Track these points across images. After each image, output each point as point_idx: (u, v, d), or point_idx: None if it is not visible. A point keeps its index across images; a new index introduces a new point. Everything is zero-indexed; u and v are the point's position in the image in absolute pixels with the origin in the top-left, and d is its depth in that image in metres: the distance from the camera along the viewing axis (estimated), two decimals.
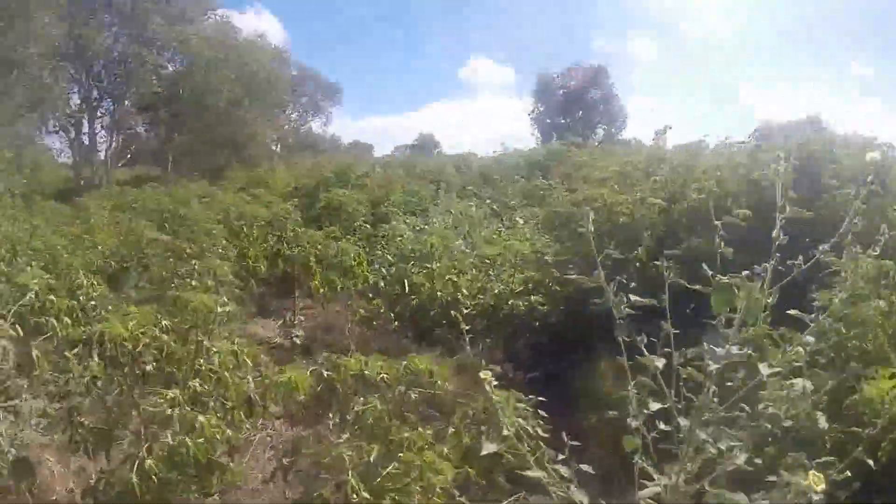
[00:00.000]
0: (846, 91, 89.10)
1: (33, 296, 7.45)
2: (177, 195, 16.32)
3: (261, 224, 13.14)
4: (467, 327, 10.29)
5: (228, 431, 5.12)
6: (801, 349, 3.13)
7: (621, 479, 3.87)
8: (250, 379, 5.69)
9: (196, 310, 5.38)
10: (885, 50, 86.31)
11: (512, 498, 4.57)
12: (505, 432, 3.31)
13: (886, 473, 3.95)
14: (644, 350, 3.25)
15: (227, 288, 8.49)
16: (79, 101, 35.62)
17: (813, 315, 3.21)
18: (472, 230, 14.58)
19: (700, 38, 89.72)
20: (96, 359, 4.72)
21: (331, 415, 5.18)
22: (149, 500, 4.40)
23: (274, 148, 46.57)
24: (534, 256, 10.31)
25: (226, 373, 5.37)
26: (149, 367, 4.82)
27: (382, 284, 12.23)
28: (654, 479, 3.15)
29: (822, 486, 2.46)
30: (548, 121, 62.02)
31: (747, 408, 3.18)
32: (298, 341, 11.02)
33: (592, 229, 3.76)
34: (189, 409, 4.72)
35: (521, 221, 14.54)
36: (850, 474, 3.07)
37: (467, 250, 11.58)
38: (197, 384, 5.23)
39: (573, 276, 8.67)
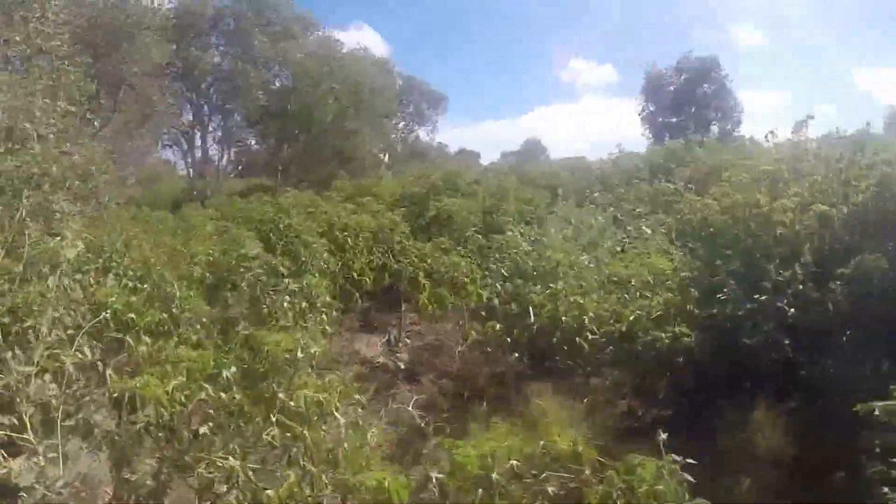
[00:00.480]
0: None
1: (111, 313, 6.80)
2: (280, 205, 15.69)
3: (366, 235, 12.26)
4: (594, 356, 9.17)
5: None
6: None
7: None
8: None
9: (273, 355, 4.40)
10: None
11: None
12: None
13: None
14: None
15: (319, 313, 7.54)
16: (190, 117, 36.32)
17: None
18: (594, 242, 13.29)
19: (806, 22, 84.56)
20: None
21: None
22: None
23: (382, 157, 46.29)
24: (676, 276, 8.98)
25: (305, 430, 4.40)
26: (203, 430, 3.83)
27: (496, 302, 11.13)
28: None
29: None
30: (659, 119, 58.67)
31: None
32: (402, 365, 10.03)
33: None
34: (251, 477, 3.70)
35: (649, 231, 13.12)
36: None
37: (592, 266, 10.29)
38: (271, 436, 4.30)
39: (723, 299, 7.28)
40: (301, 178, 35.81)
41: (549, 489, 3.83)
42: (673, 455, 4.17)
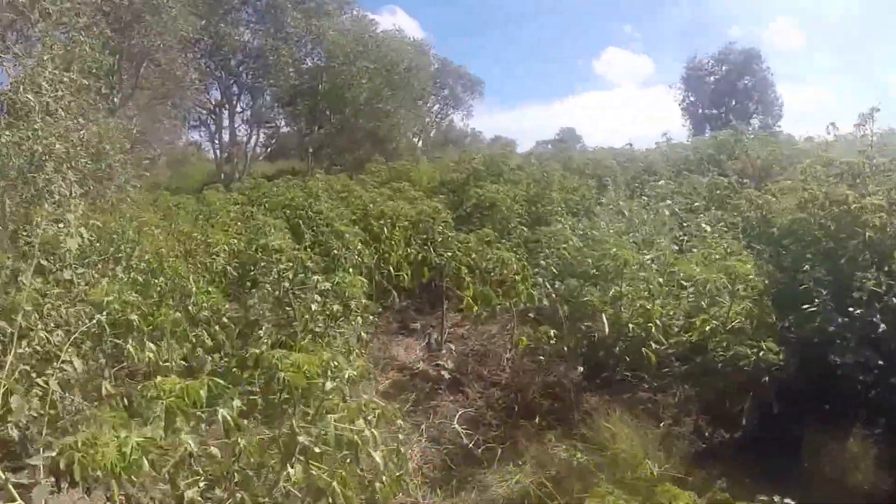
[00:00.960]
0: None
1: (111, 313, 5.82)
2: (310, 190, 14.70)
3: (404, 224, 11.15)
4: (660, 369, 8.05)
5: None
6: None
7: None
8: None
9: (291, 385, 3.37)
10: None
11: None
12: None
13: None
14: None
15: (355, 317, 6.50)
16: (218, 97, 35.44)
17: None
18: (650, 239, 12.08)
19: (844, 19, 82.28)
20: None
21: None
22: None
23: (416, 141, 45.24)
24: (755, 282, 7.79)
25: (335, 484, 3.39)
26: (190, 494, 2.82)
27: (545, 303, 10.02)
28: None
29: None
30: (699, 111, 57.36)
31: None
32: (447, 374, 8.95)
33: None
34: None
35: (708, 228, 11.87)
36: None
37: (656, 266, 9.10)
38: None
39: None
40: (332, 162, 34.88)
41: None
42: None
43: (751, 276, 7.56)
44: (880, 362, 6.89)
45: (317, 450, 3.68)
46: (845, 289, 7.40)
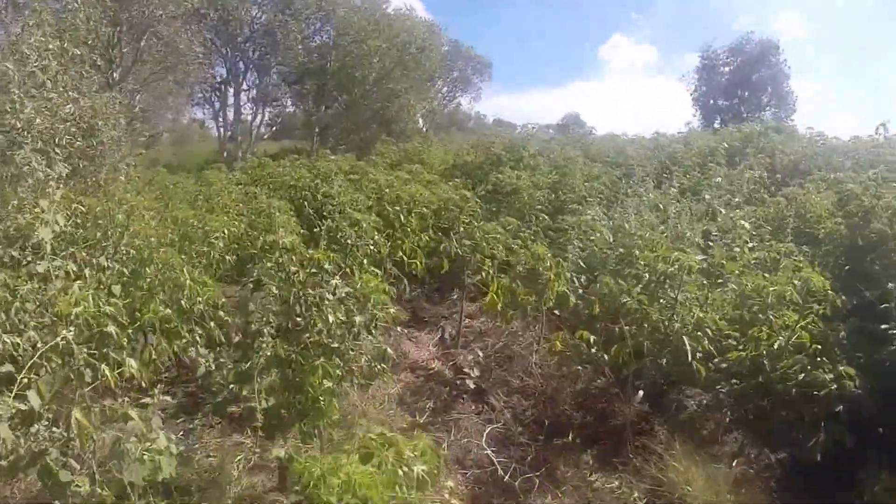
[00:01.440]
0: None
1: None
2: (318, 171, 13.81)
3: (420, 211, 10.25)
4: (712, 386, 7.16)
5: None
6: None
7: None
8: None
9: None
10: None
11: None
12: None
13: None
14: None
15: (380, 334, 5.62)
16: (224, 73, 34.45)
17: None
18: (682, 233, 11.17)
19: (851, 14, 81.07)
20: None
21: None
22: None
23: (420, 124, 44.19)
24: (837, 298, 6.84)
25: None
26: None
27: (573, 300, 9.14)
28: None
29: None
30: (712, 102, 56.22)
31: None
32: (472, 383, 8.03)
33: None
34: None
35: (747, 226, 10.91)
36: None
37: (708, 268, 8.17)
38: None
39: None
40: (339, 142, 33.93)
41: None
42: None
43: (827, 290, 6.62)
44: None
45: None
46: None
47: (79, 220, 7.48)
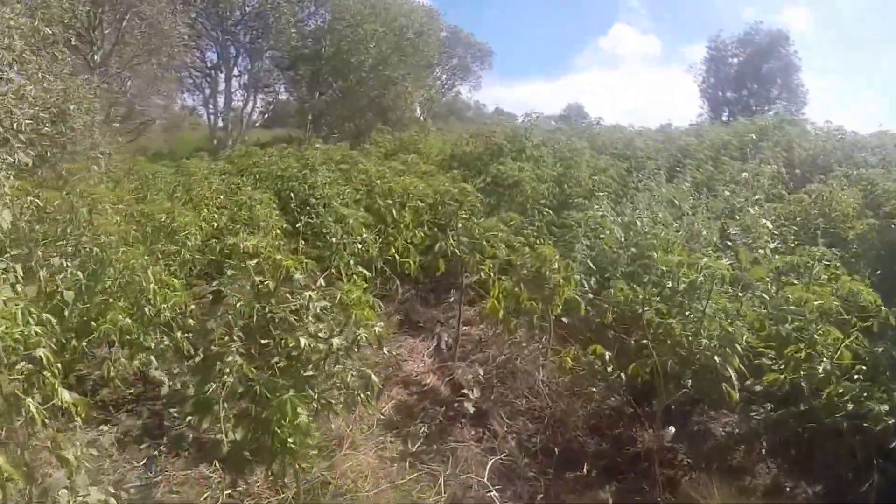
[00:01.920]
0: None
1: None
2: (306, 160, 12.91)
3: (414, 205, 9.33)
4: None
5: None
6: None
7: None
8: None
9: None
10: None
11: None
12: None
13: None
14: None
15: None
16: (215, 58, 33.37)
17: None
18: (697, 232, 10.28)
19: (858, 8, 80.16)
20: None
21: None
22: None
23: (417, 112, 43.09)
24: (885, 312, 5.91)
25: None
26: None
27: (584, 307, 8.26)
28: None
29: None
30: (720, 94, 55.07)
31: None
32: (472, 406, 7.08)
33: None
34: None
35: (769, 224, 10.00)
36: None
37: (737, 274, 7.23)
38: None
39: None
40: (333, 130, 32.95)
41: None
42: None
43: (879, 305, 5.72)
44: None
45: None
46: None
47: (34, 215, 6.63)
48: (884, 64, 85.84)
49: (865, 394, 5.31)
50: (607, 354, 6.48)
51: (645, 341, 7.01)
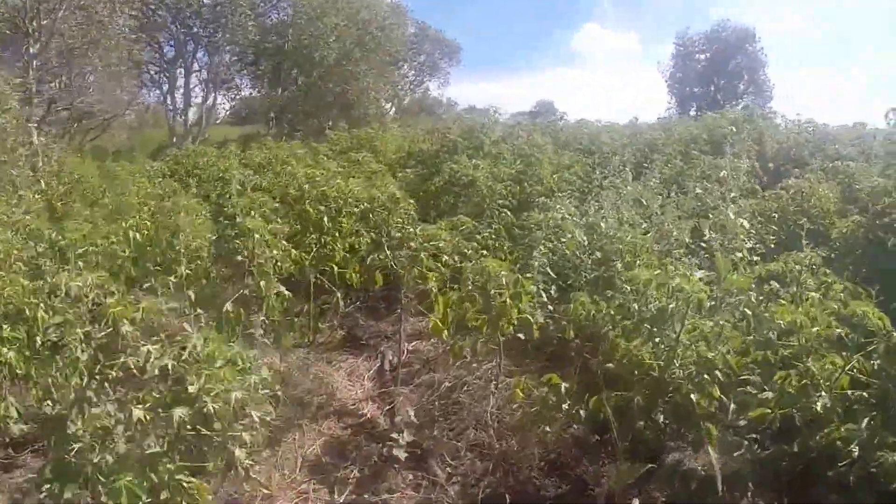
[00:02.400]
0: None
1: None
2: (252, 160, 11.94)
3: (353, 210, 8.32)
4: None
5: None
6: None
7: None
8: None
9: None
10: None
11: None
12: None
13: None
14: None
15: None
16: (172, 53, 32.03)
17: None
18: (668, 232, 9.38)
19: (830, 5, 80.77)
20: None
21: None
22: None
23: (387, 108, 41.96)
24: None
25: None
26: None
27: (541, 319, 7.33)
28: None
29: None
30: (687, 89, 55.02)
31: None
32: (404, 438, 6.05)
33: None
34: None
35: (746, 224, 9.11)
36: None
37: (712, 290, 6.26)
38: None
39: None
40: (295, 127, 31.82)
41: None
42: None
43: (890, 331, 4.76)
44: None
45: None
46: None
47: None
48: (849, 60, 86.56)
49: (876, 439, 4.36)
50: (563, 387, 5.53)
51: (609, 364, 6.13)
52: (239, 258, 6.23)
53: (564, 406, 5.49)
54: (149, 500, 3.12)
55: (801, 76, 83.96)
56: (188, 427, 3.30)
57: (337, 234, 8.08)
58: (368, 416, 6.89)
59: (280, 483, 5.73)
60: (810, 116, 17.53)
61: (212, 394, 3.38)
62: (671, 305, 5.06)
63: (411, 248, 6.86)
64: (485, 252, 8.59)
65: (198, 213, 8.26)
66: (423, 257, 6.79)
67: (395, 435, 6.02)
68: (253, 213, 7.41)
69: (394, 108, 45.47)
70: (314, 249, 8.12)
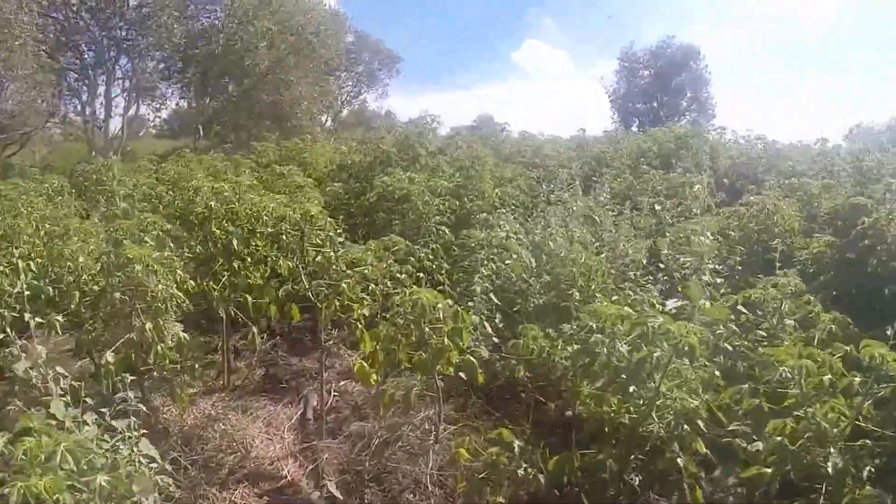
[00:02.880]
0: None
1: None
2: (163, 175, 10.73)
3: (267, 228, 7.11)
4: None
5: None
6: None
7: None
8: None
9: None
10: None
11: None
12: None
13: None
14: None
15: None
16: (92, 59, 30.04)
17: None
18: (620, 252, 8.53)
19: (764, 27, 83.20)
20: None
21: None
22: None
23: (324, 120, 40.59)
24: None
25: None
26: None
27: (485, 356, 6.37)
28: None
29: None
30: (631, 105, 55.36)
31: None
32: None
33: None
34: None
35: (708, 241, 8.27)
36: None
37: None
38: None
39: None
40: (225, 139, 30.30)
41: None
42: None
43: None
44: None
45: None
46: None
47: None
48: (790, 80, 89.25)
49: None
50: (517, 446, 4.53)
51: (569, 413, 5.18)
52: (118, 295, 5.04)
53: (520, 471, 4.47)
54: None
55: (744, 95, 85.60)
56: None
57: (249, 260, 6.93)
58: (289, 478, 5.77)
59: None
60: (761, 132, 17.20)
61: None
62: (655, 354, 4.07)
63: (331, 276, 5.76)
64: (420, 274, 7.62)
65: (94, 237, 7.06)
66: (346, 286, 5.68)
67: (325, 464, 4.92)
68: (146, 235, 6.21)
69: (330, 120, 44.20)
70: (226, 277, 6.98)
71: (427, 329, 4.90)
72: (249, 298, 7.12)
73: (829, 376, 3.89)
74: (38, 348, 4.22)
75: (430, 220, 9.99)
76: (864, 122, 22.74)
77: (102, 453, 3.14)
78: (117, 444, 3.29)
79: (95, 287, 5.97)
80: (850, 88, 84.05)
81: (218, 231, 6.80)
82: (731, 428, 4.51)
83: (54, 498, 2.59)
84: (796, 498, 4.08)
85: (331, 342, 7.87)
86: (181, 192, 8.59)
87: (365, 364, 5.55)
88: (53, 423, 3.25)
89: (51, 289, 6.08)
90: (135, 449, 3.34)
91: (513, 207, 11.20)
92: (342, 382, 7.70)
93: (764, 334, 5.63)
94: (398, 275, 6.68)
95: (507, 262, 7.92)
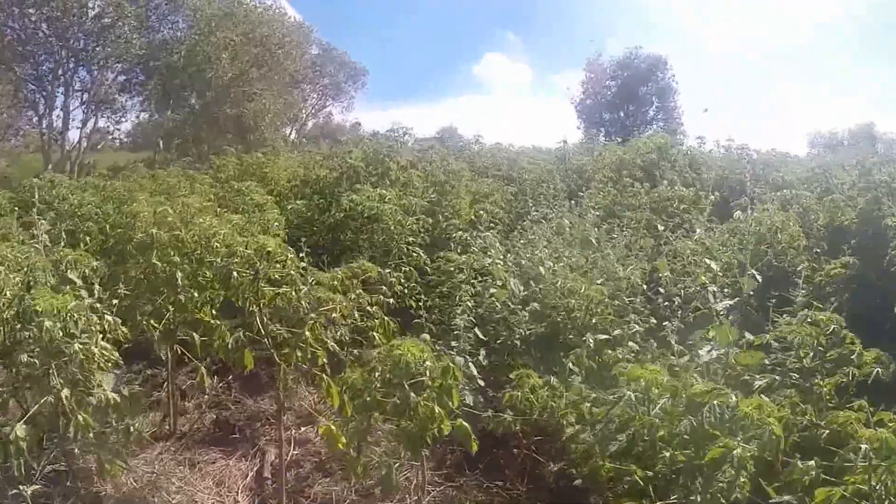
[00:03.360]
0: None
1: None
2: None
3: (222, 261, 6.11)
4: None
5: None
6: None
7: None
8: None
9: None
10: None
11: None
12: None
13: None
14: None
15: None
16: (49, 70, 28.82)
17: None
18: (616, 277, 7.64)
19: (721, 44, 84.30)
20: None
21: None
22: None
23: (288, 133, 39.59)
24: None
25: None
26: None
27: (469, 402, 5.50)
28: None
29: None
30: (598, 115, 54.97)
31: None
32: None
33: None
34: None
35: (714, 266, 7.39)
36: None
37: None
38: None
39: None
40: (186, 153, 29.18)
41: None
42: None
43: None
44: None
45: None
46: None
47: None
48: (759, 90, 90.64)
49: None
50: None
51: (578, 482, 4.31)
52: (24, 358, 4.04)
53: None
54: None
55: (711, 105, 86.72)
56: None
57: (196, 295, 5.94)
58: None
59: None
60: (744, 142, 16.53)
61: None
62: (735, 452, 3.13)
63: (291, 320, 4.84)
64: (391, 301, 6.72)
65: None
66: (309, 334, 4.76)
67: None
68: (69, 271, 5.21)
69: (294, 133, 43.22)
70: (169, 313, 6.01)
71: (412, 395, 3.95)
72: (197, 337, 6.15)
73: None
74: None
75: (402, 240, 9.15)
76: (823, 130, 22.62)
77: None
78: None
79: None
80: (816, 97, 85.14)
81: (159, 263, 5.82)
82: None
83: None
84: None
85: (290, 378, 6.92)
86: (122, 216, 7.61)
87: (332, 427, 4.59)
88: None
89: None
90: None
91: (491, 225, 10.35)
92: (303, 428, 6.80)
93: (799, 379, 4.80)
94: (368, 307, 5.83)
95: (491, 289, 7.05)
